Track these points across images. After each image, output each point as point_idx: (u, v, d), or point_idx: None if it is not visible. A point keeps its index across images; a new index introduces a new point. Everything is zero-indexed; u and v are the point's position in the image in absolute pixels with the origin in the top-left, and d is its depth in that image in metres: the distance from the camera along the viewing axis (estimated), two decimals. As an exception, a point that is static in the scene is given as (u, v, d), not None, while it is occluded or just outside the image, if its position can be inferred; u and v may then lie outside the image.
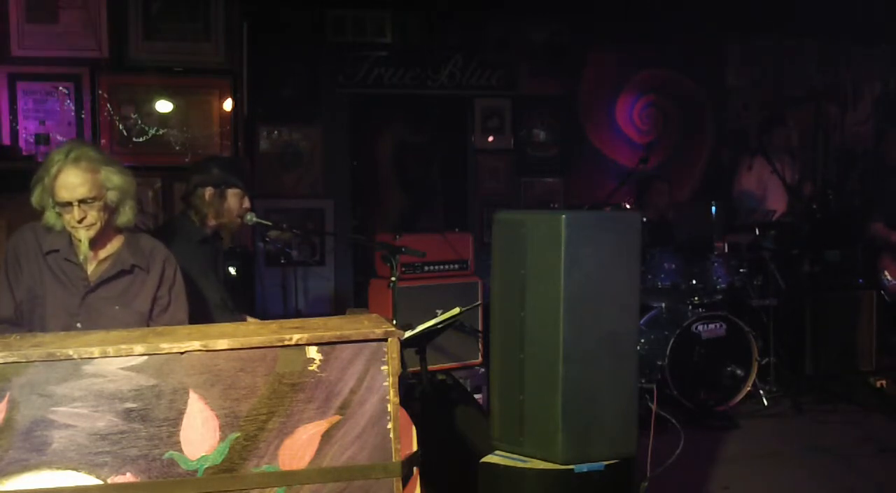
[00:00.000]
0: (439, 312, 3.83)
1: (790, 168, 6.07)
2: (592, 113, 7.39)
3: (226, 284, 3.62)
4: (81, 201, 2.57)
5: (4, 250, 2.73)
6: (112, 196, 2.65)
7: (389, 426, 1.90)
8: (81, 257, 2.67)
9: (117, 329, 2.58)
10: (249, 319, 3.55)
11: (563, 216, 2.55)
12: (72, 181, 2.56)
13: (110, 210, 2.66)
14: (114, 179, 2.65)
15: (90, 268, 2.69)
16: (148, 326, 2.74)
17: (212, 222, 3.44)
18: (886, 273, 5.75)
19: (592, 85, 7.35)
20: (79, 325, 2.64)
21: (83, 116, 5.40)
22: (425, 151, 7.43)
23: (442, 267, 4.65)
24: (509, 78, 7.12)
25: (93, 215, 2.60)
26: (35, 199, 2.62)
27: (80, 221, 2.58)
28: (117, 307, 2.70)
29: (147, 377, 1.80)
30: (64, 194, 2.56)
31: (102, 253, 2.72)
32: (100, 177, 2.61)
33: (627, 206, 5.66)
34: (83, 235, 2.60)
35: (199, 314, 3.05)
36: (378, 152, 7.32)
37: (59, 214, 2.60)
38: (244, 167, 4.22)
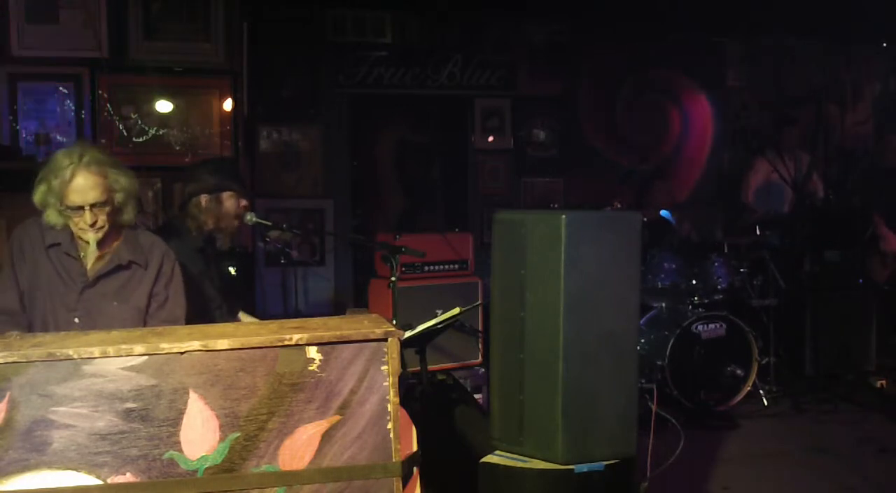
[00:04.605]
0: (439, 312, 3.83)
1: (804, 167, 6.07)
2: (592, 113, 7.38)
3: (226, 284, 3.62)
4: (93, 205, 2.59)
5: (6, 247, 2.74)
6: (119, 198, 2.68)
7: (389, 426, 1.90)
8: (82, 254, 2.68)
9: (115, 324, 2.61)
10: (243, 316, 3.55)
11: (563, 216, 2.55)
12: (84, 186, 2.57)
13: (116, 211, 2.68)
14: (121, 180, 2.68)
15: (89, 264, 2.70)
16: (145, 321, 2.75)
17: (210, 227, 3.43)
18: (871, 261, 5.76)
19: (592, 85, 7.35)
20: (77, 320, 2.65)
21: (83, 116, 5.40)
22: (425, 151, 7.43)
23: (442, 267, 4.65)
24: (509, 78, 7.12)
25: (102, 219, 2.63)
26: (38, 197, 2.63)
27: (91, 225, 2.59)
28: (115, 303, 2.71)
29: (147, 377, 1.80)
30: (76, 199, 2.57)
31: (95, 253, 2.72)
32: (109, 180, 2.64)
33: (618, 205, 5.66)
34: (92, 238, 2.62)
35: (198, 315, 3.05)
36: (378, 152, 7.32)
37: (66, 216, 2.61)
38: (235, 167, 4.21)
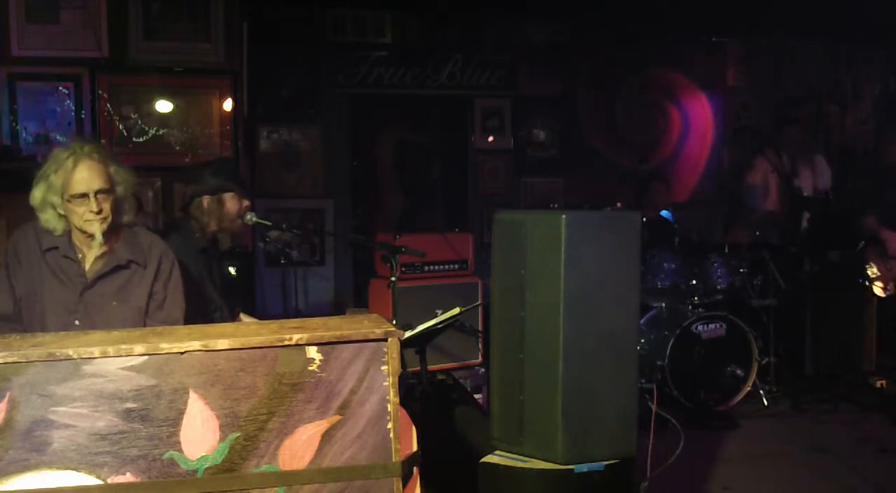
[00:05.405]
0: (439, 312, 3.83)
1: (809, 166, 6.09)
2: (592, 113, 7.39)
3: (226, 284, 3.62)
4: (98, 192, 2.59)
5: (5, 248, 2.74)
6: (120, 191, 2.68)
7: (389, 426, 1.90)
8: (80, 256, 2.67)
9: (115, 325, 2.60)
10: (243, 316, 3.55)
11: (563, 216, 2.55)
12: (88, 174, 2.58)
13: (117, 204, 2.68)
14: (121, 173, 2.70)
15: (87, 265, 2.69)
16: (144, 321, 2.75)
17: (213, 228, 3.44)
18: (872, 267, 5.75)
19: (592, 85, 7.36)
20: (77, 322, 2.64)
21: (83, 116, 5.40)
22: (425, 151, 7.43)
23: (442, 267, 4.65)
24: (509, 78, 7.12)
25: (107, 207, 2.62)
26: (38, 197, 2.62)
27: (98, 213, 2.59)
28: (115, 303, 2.70)
29: (147, 377, 1.80)
30: (81, 187, 2.57)
31: (101, 250, 2.72)
32: (111, 170, 2.65)
33: (619, 206, 5.66)
34: (97, 228, 2.61)
35: (197, 317, 3.04)
36: (378, 152, 7.32)
37: (69, 210, 2.60)
38: (236, 168, 4.22)
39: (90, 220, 2.60)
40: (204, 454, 1.81)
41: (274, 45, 6.42)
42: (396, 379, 1.90)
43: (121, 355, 1.78)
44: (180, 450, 1.80)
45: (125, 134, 5.52)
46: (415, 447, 2.04)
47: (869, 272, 5.67)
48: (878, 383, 5.43)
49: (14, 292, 2.67)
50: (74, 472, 1.76)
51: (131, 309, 2.73)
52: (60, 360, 1.76)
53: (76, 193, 2.57)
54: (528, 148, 7.27)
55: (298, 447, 1.86)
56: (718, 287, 5.31)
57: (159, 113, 5.61)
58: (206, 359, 1.82)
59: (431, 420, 3.25)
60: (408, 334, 3.26)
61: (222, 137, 5.69)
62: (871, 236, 5.86)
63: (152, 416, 1.79)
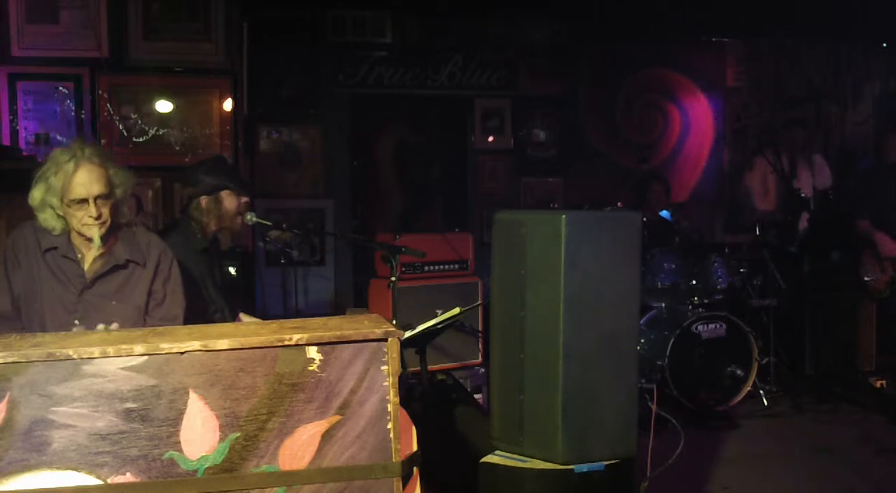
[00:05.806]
0: (439, 312, 3.83)
1: (808, 166, 6.10)
2: (592, 113, 7.39)
3: (227, 284, 3.62)
4: (97, 198, 2.58)
5: (3, 247, 2.74)
6: (119, 192, 2.68)
7: (389, 426, 1.90)
8: (79, 256, 2.67)
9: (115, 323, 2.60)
10: (244, 316, 3.55)
11: (563, 216, 2.55)
12: (88, 178, 2.57)
13: (115, 206, 2.68)
14: (120, 175, 2.69)
15: (86, 265, 2.69)
16: (144, 320, 2.75)
17: (213, 228, 3.44)
18: (868, 269, 5.74)
19: (592, 85, 7.36)
20: (77, 321, 2.65)
21: (83, 116, 5.41)
22: (425, 151, 7.43)
23: (442, 267, 4.65)
24: (509, 78, 7.12)
25: (106, 212, 2.62)
26: (37, 197, 2.61)
27: (97, 218, 2.59)
28: (114, 303, 2.70)
29: (147, 377, 1.80)
30: (81, 191, 2.56)
31: (99, 250, 2.72)
32: (110, 173, 2.64)
33: (619, 205, 5.66)
34: (96, 233, 2.61)
35: (198, 318, 3.04)
36: (378, 152, 7.32)
37: (68, 213, 2.60)
38: (231, 165, 4.21)
39: (89, 225, 2.60)
40: (204, 454, 1.82)
41: (274, 44, 6.43)
42: (396, 379, 1.90)
43: (121, 355, 1.78)
44: (180, 450, 1.80)
45: (125, 134, 5.52)
46: (415, 447, 2.04)
47: (864, 277, 5.67)
48: (878, 383, 5.43)
49: (12, 291, 2.67)
50: (74, 472, 1.76)
51: (131, 308, 2.73)
52: (60, 360, 1.76)
53: (76, 198, 2.57)
54: (528, 148, 7.27)
55: (298, 447, 1.86)
56: (718, 287, 5.30)
57: (159, 113, 5.61)
58: (206, 359, 1.82)
59: (431, 420, 3.26)
60: (408, 334, 3.26)
61: (222, 137, 5.69)
62: (865, 239, 5.86)
63: (152, 416, 1.79)
